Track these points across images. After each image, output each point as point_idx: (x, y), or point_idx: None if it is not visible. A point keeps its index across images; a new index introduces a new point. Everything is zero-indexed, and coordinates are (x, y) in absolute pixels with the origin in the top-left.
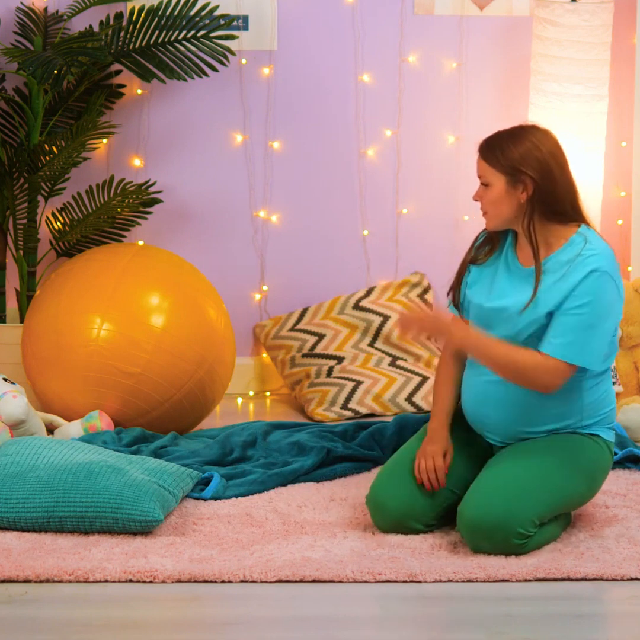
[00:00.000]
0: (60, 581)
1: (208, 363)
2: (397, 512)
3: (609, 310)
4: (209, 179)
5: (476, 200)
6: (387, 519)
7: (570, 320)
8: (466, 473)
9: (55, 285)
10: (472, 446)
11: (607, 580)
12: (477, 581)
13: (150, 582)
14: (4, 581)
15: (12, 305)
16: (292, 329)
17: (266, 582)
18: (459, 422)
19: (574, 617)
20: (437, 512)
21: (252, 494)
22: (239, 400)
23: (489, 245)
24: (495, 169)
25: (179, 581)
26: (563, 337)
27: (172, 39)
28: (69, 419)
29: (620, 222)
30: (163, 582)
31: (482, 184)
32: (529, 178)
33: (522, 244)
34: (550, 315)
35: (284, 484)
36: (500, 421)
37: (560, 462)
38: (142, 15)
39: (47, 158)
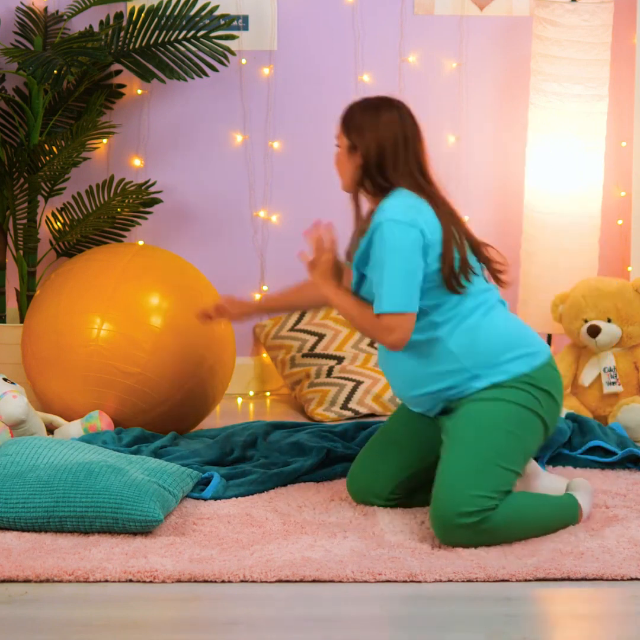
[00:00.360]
0: (60, 581)
1: (208, 363)
2: (361, 491)
3: (395, 252)
4: (209, 179)
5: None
6: (355, 497)
7: (374, 276)
8: (415, 451)
9: (55, 285)
10: (415, 423)
11: (607, 580)
12: (477, 581)
13: (150, 582)
14: (4, 581)
15: (12, 305)
16: (292, 329)
17: (266, 582)
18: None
19: (573, 617)
20: (394, 488)
21: (252, 494)
22: (239, 400)
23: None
24: (342, 133)
25: (179, 581)
26: (376, 293)
27: (172, 39)
28: (69, 419)
29: (620, 222)
30: (163, 582)
31: (336, 146)
32: (361, 150)
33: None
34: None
35: (284, 484)
36: (397, 387)
37: (476, 431)
38: (142, 15)
39: (47, 158)
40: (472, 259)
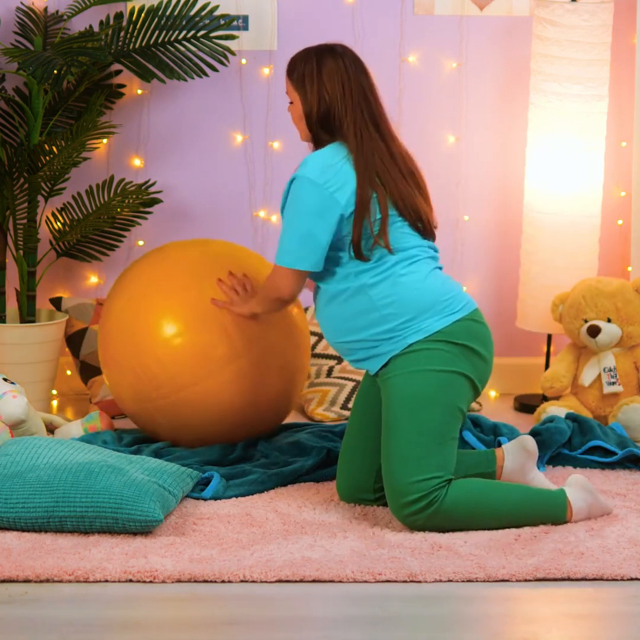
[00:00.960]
0: (60, 581)
1: (289, 369)
2: (347, 490)
3: (300, 211)
4: (209, 179)
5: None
6: (346, 498)
7: (282, 231)
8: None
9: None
10: (372, 408)
11: (607, 580)
12: (477, 581)
13: (150, 582)
14: (4, 581)
15: (12, 305)
16: None
17: (266, 582)
18: (366, 391)
19: (574, 617)
20: (376, 478)
21: (252, 494)
22: None
23: None
24: (292, 87)
25: (179, 581)
26: (279, 246)
27: (172, 39)
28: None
29: (620, 222)
30: (163, 582)
31: (289, 102)
32: (303, 103)
33: None
34: None
35: (284, 484)
36: (326, 333)
37: (405, 414)
38: (142, 15)
39: (47, 158)
40: (395, 222)
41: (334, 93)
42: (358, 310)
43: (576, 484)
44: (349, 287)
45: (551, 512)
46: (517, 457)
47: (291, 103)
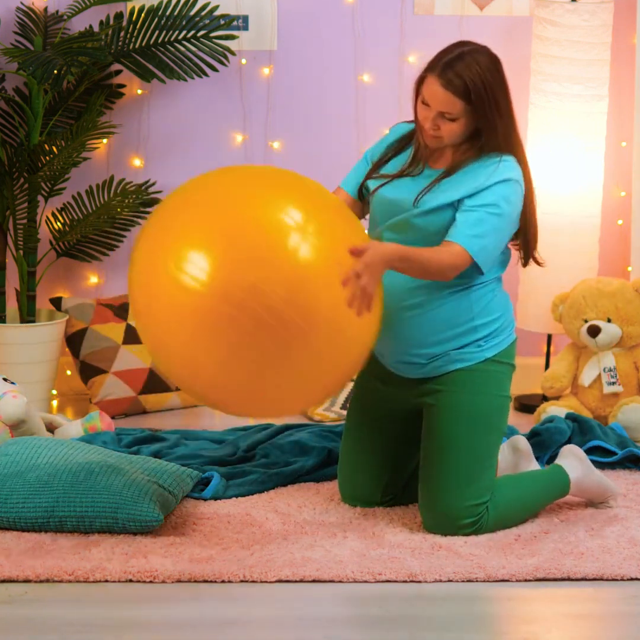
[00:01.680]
0: (60, 581)
1: None
2: (352, 498)
3: (514, 219)
4: None
5: (435, 132)
6: (350, 503)
7: (480, 217)
8: (391, 450)
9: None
10: (382, 418)
11: (607, 580)
12: (477, 581)
13: (150, 582)
14: (4, 581)
15: (12, 305)
16: None
17: (266, 582)
18: (371, 397)
19: (574, 617)
20: (383, 490)
21: (252, 494)
22: None
23: (398, 147)
24: (460, 99)
25: (179, 581)
26: (472, 229)
27: (172, 39)
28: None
29: (620, 222)
30: (163, 582)
31: (446, 117)
32: (485, 106)
33: (439, 151)
34: (450, 207)
35: (284, 484)
36: (402, 345)
37: (470, 434)
38: (142, 15)
39: (47, 158)
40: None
41: (502, 96)
42: (456, 315)
43: (570, 455)
44: (456, 284)
45: (560, 491)
46: (509, 457)
47: (451, 120)
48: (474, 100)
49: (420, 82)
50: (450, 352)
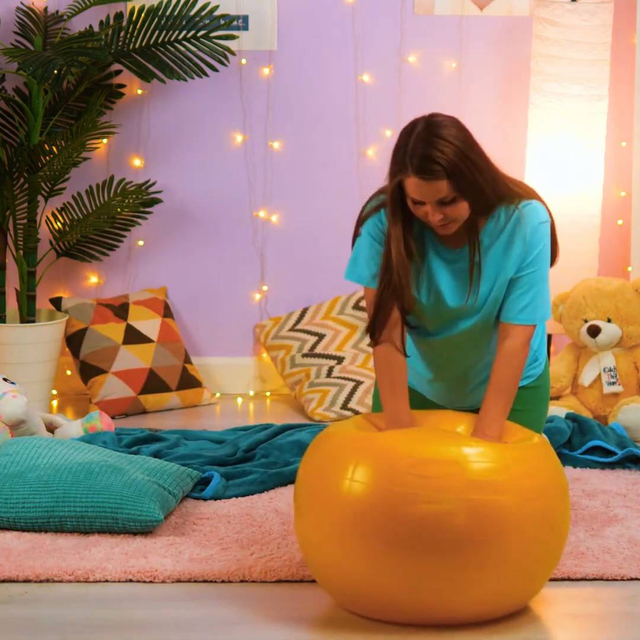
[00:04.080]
0: (60, 581)
1: None
2: None
3: (549, 256)
4: (209, 179)
5: (440, 221)
6: None
7: (527, 281)
8: None
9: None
10: None
11: (607, 580)
12: None
13: (150, 582)
14: (4, 581)
15: (12, 305)
16: (292, 329)
17: (266, 582)
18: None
19: (574, 617)
20: None
21: (252, 494)
22: (239, 400)
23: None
24: (446, 180)
25: (179, 581)
26: (524, 300)
27: (172, 39)
28: None
29: (620, 222)
30: (163, 582)
31: (443, 203)
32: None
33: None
34: (500, 281)
35: (284, 484)
36: (461, 385)
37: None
38: (142, 15)
39: (47, 158)
40: None
41: (476, 158)
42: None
43: None
44: None
45: None
46: None
47: (451, 203)
48: (454, 174)
49: (398, 187)
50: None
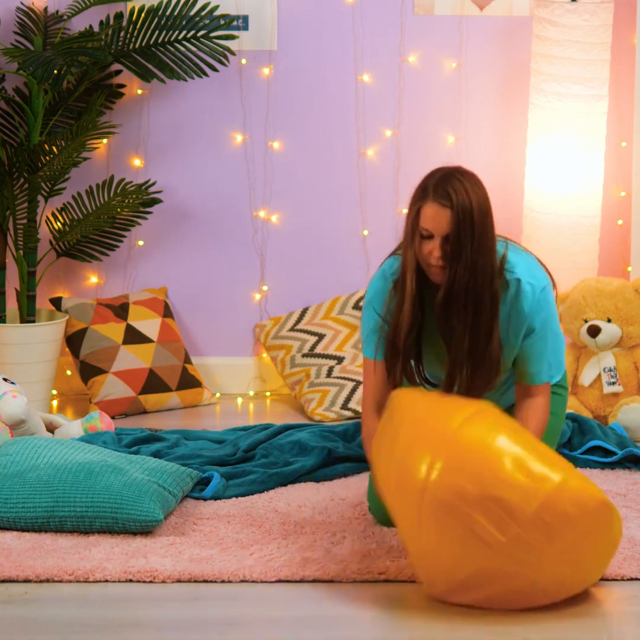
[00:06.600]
0: (60, 581)
1: None
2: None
3: (556, 317)
4: (209, 179)
5: (439, 260)
6: (382, 521)
7: (542, 344)
8: None
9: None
10: None
11: (607, 580)
12: None
13: (150, 582)
14: (4, 581)
15: (12, 305)
16: (292, 329)
17: (266, 582)
18: None
19: (573, 617)
20: None
21: (252, 494)
22: (239, 400)
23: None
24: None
25: (179, 581)
26: (542, 362)
27: (172, 39)
28: None
29: (620, 222)
30: (163, 582)
31: (448, 241)
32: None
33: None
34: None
35: (284, 484)
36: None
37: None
38: (142, 15)
39: (47, 158)
40: None
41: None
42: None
43: None
44: None
45: None
46: None
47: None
48: (464, 217)
49: (415, 216)
50: None
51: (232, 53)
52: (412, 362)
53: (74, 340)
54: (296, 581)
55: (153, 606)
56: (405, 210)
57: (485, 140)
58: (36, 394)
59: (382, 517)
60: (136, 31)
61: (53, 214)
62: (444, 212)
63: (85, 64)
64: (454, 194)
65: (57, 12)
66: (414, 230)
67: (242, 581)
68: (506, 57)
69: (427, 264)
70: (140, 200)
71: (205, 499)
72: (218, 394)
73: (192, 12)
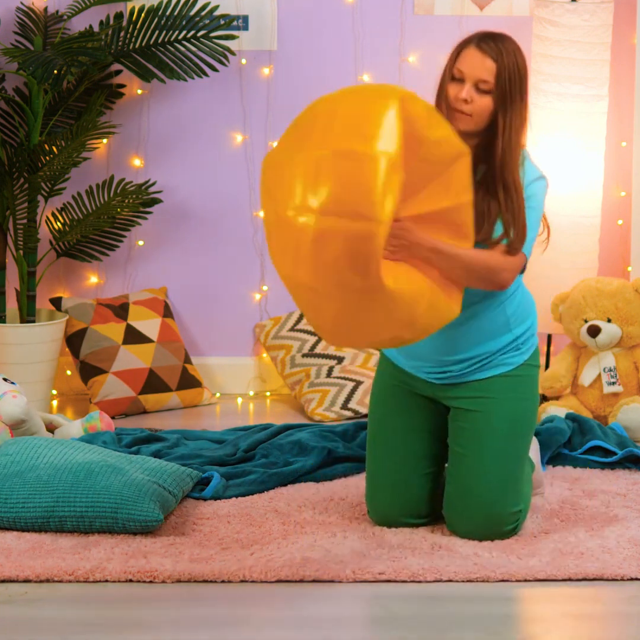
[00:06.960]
0: (60, 581)
1: None
2: (386, 516)
3: (542, 207)
4: (209, 179)
5: (467, 106)
6: (380, 521)
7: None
8: (438, 457)
9: None
10: (423, 421)
11: (607, 580)
12: (477, 581)
13: (150, 582)
14: (4, 581)
15: (12, 305)
16: (292, 329)
17: (266, 582)
18: (406, 404)
19: (574, 617)
20: (427, 505)
21: (252, 494)
22: (239, 400)
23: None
24: (495, 64)
25: (179, 581)
26: (515, 229)
27: (172, 39)
28: None
29: (620, 222)
30: (163, 582)
31: (480, 89)
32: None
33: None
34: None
35: (284, 484)
36: (432, 352)
37: (509, 441)
38: (142, 15)
39: (47, 158)
40: None
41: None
42: (492, 317)
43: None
44: (492, 295)
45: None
46: None
47: (485, 92)
48: (505, 76)
49: (454, 58)
50: (490, 358)
51: (232, 53)
52: None
53: (74, 340)
54: (296, 581)
55: (153, 606)
56: None
57: None
58: (36, 394)
59: (382, 518)
60: (136, 31)
61: (53, 214)
62: (484, 59)
63: (85, 64)
64: (498, 43)
65: (57, 12)
66: (448, 73)
67: (242, 581)
68: None
69: (453, 108)
70: (140, 200)
71: (205, 499)
72: (218, 394)
73: (192, 12)
